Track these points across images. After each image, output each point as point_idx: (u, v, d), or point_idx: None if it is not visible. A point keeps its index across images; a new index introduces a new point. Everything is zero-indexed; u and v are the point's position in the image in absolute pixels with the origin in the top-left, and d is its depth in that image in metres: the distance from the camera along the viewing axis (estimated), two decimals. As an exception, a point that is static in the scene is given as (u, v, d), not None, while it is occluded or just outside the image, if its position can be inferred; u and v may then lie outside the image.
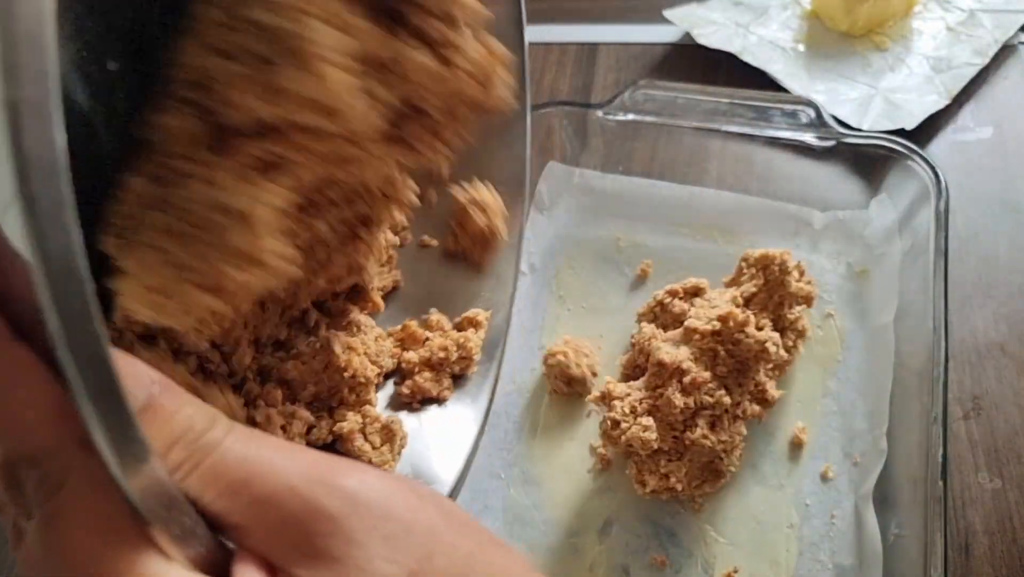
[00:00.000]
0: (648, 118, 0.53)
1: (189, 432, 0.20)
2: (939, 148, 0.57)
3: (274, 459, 0.20)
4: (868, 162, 0.51)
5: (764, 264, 0.46)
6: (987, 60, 0.59)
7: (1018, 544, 0.43)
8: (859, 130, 0.53)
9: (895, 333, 0.47)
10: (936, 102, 0.58)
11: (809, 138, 0.51)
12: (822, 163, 0.52)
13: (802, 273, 0.47)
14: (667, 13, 0.65)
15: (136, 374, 0.20)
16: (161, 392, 0.20)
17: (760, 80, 0.61)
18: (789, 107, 0.52)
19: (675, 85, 0.53)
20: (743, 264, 0.46)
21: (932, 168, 0.47)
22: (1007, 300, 0.51)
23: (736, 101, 0.52)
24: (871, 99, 0.59)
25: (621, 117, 0.53)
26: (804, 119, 0.51)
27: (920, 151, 0.49)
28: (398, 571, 0.20)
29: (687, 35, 0.65)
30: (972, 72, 0.59)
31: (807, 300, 0.46)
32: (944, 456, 0.40)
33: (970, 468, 0.45)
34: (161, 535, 0.19)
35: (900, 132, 0.56)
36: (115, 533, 0.18)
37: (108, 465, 0.17)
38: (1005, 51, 0.60)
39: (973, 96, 0.59)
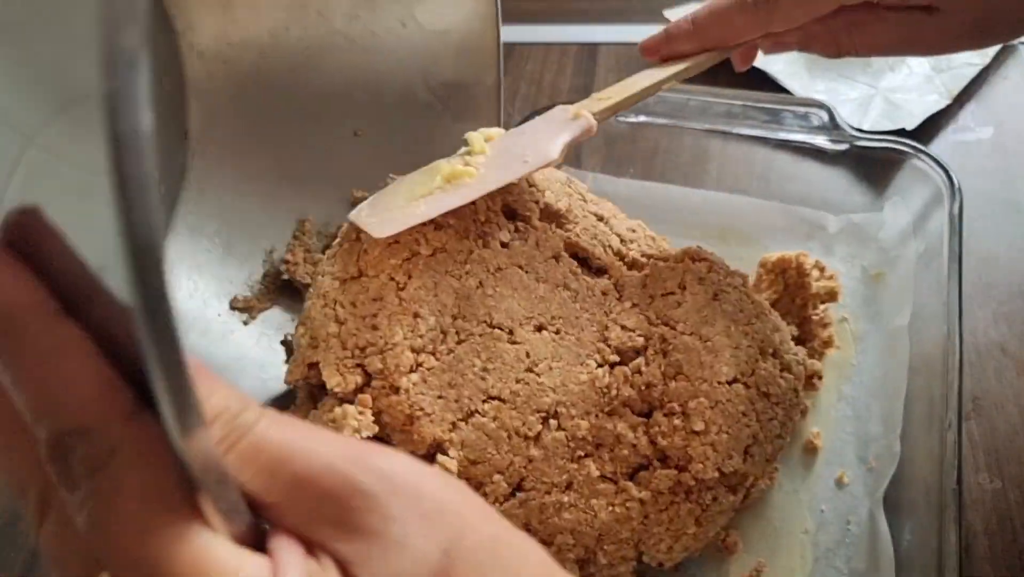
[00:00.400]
0: (660, 120, 0.52)
1: (226, 411, 0.20)
2: (939, 148, 0.57)
3: (309, 440, 0.21)
4: (879, 164, 0.51)
5: (782, 268, 0.45)
6: (988, 60, 0.60)
7: (1018, 544, 0.43)
8: (872, 133, 0.53)
9: (909, 337, 0.47)
10: (937, 102, 0.58)
11: (821, 141, 0.51)
12: (833, 166, 0.52)
13: (822, 270, 0.47)
14: (667, 13, 0.65)
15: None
16: (197, 372, 0.20)
17: (761, 80, 0.60)
18: (801, 109, 0.51)
19: (686, 87, 0.52)
20: (761, 271, 0.46)
21: (946, 171, 0.47)
22: (1007, 300, 0.51)
23: (748, 104, 0.52)
24: (871, 99, 0.59)
25: (632, 119, 0.52)
26: (816, 122, 0.51)
27: (933, 154, 0.49)
28: (433, 548, 0.21)
29: (686, 34, 0.64)
30: (973, 72, 0.59)
31: (831, 296, 0.46)
32: (959, 464, 0.40)
33: (970, 468, 0.45)
34: (210, 508, 0.19)
35: (900, 132, 0.56)
36: (165, 505, 0.18)
37: (169, 432, 0.17)
38: (1005, 51, 0.60)
39: (973, 96, 0.59)
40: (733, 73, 0.60)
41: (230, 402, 0.20)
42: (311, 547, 0.20)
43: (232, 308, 0.49)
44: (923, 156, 0.49)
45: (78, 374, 0.19)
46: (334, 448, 0.21)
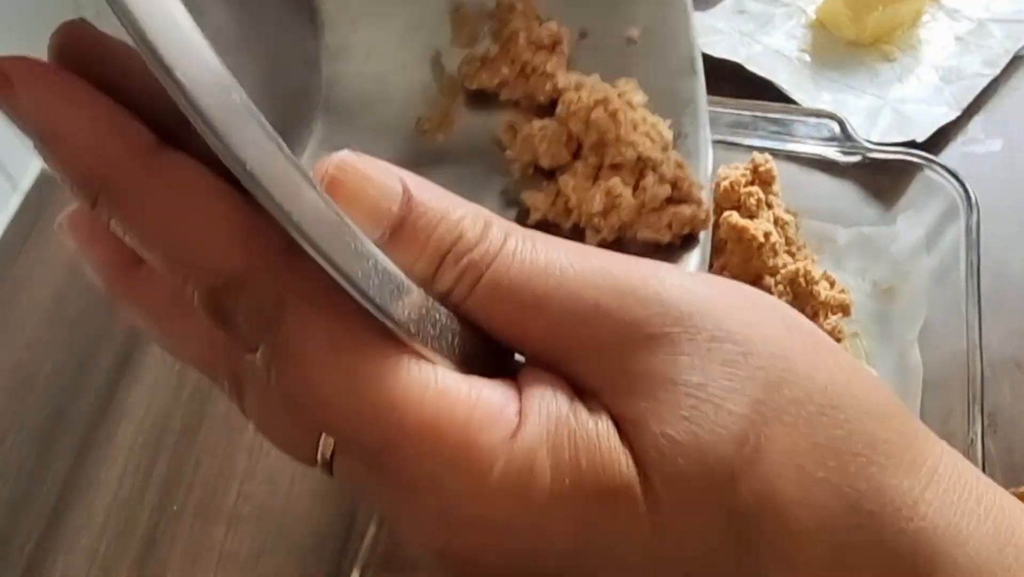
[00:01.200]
0: (668, 131, 0.51)
1: (459, 243, 0.17)
2: (949, 160, 0.56)
3: (566, 269, 0.17)
4: (891, 176, 0.50)
5: (789, 278, 0.44)
6: (998, 71, 0.59)
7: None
8: (884, 144, 0.52)
9: (923, 353, 0.46)
10: (946, 113, 0.57)
11: (832, 152, 0.50)
12: (844, 177, 0.51)
13: (832, 283, 0.45)
14: (671, 20, 0.63)
15: (383, 175, 0.17)
16: (419, 195, 0.17)
17: (765, 90, 0.59)
18: (812, 120, 0.50)
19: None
20: (771, 281, 0.45)
21: (962, 184, 0.46)
22: (1021, 314, 0.50)
23: (757, 114, 0.51)
24: (880, 110, 0.58)
25: (640, 130, 0.51)
26: (827, 133, 0.50)
27: (949, 167, 0.48)
28: (740, 401, 0.16)
29: (690, 43, 0.63)
30: (983, 83, 0.58)
31: (843, 309, 0.45)
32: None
33: (988, 486, 0.44)
34: (415, 341, 0.16)
35: (910, 144, 0.55)
36: (365, 346, 0.16)
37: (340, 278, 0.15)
38: (1016, 62, 0.60)
39: (983, 107, 0.58)
40: (739, 83, 0.60)
41: (465, 227, 0.17)
42: (582, 397, 0.17)
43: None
44: (937, 168, 0.48)
45: (217, 219, 0.16)
46: (601, 276, 0.17)
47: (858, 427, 0.17)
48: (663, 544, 0.16)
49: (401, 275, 0.16)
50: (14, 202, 0.60)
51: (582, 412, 0.17)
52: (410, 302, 0.16)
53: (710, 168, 0.34)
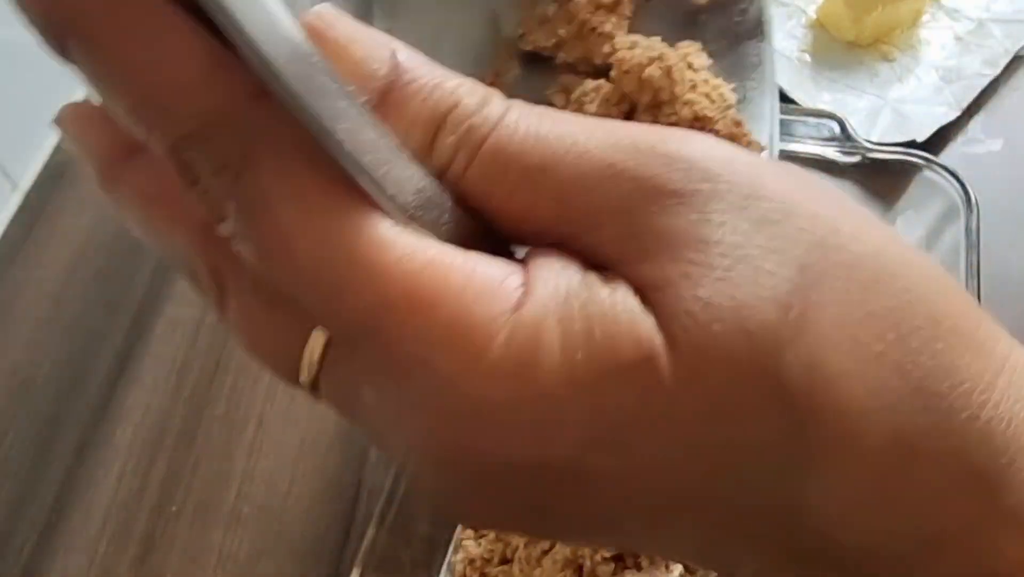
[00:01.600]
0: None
1: (456, 110, 0.15)
2: (948, 160, 0.55)
3: (576, 134, 0.15)
4: (891, 177, 0.50)
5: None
6: (998, 71, 0.58)
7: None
8: (883, 144, 0.52)
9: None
10: (946, 113, 0.57)
11: (833, 152, 0.50)
12: (843, 178, 0.51)
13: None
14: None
15: (369, 35, 0.15)
16: (408, 61, 0.15)
17: (766, 90, 0.59)
18: (812, 120, 0.50)
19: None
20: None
21: (962, 184, 0.46)
22: (1020, 316, 0.50)
23: (757, 114, 0.51)
24: (879, 110, 0.58)
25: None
26: (827, 133, 0.50)
27: (948, 167, 0.48)
28: (783, 262, 0.14)
29: (690, 43, 0.63)
30: (983, 83, 0.58)
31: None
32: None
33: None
34: (405, 217, 0.14)
35: (910, 144, 0.55)
36: (341, 206, 0.14)
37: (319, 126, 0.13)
38: (1016, 62, 0.59)
39: (983, 107, 0.58)
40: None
41: (462, 95, 0.15)
42: (598, 269, 0.15)
43: None
44: (937, 168, 0.48)
45: (173, 51, 0.14)
46: (615, 138, 0.15)
47: (918, 297, 0.15)
48: (696, 426, 0.14)
49: (391, 138, 0.14)
50: (14, 202, 0.60)
51: (595, 281, 0.14)
52: (401, 170, 0.14)
53: (776, 135, 0.31)
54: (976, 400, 0.15)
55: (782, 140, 0.51)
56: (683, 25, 0.33)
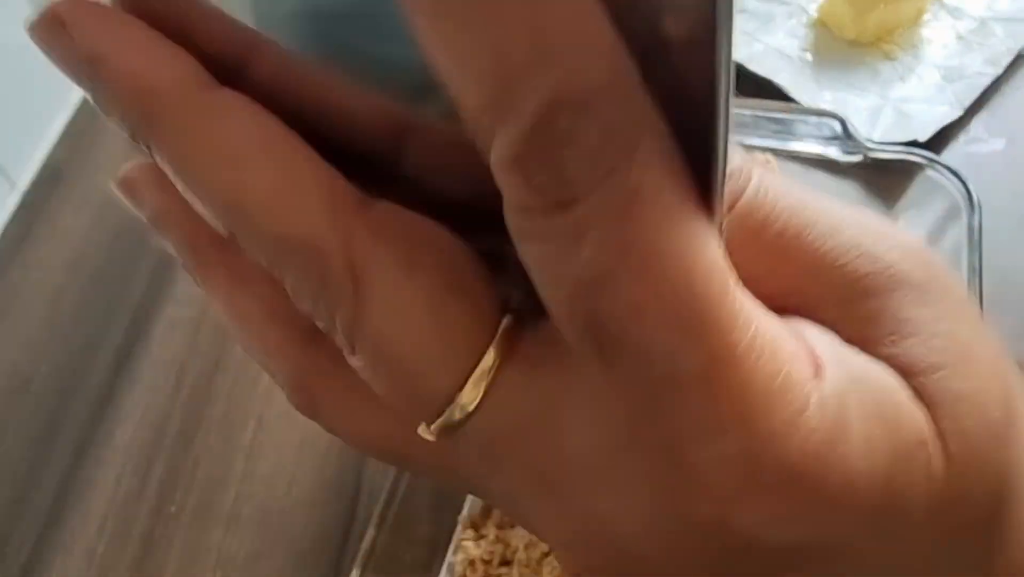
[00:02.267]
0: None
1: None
2: (950, 160, 0.55)
3: (815, 204, 0.15)
4: (893, 176, 0.49)
5: None
6: (1000, 70, 0.58)
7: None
8: (885, 144, 0.52)
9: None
10: (948, 113, 0.57)
11: (834, 152, 0.50)
12: (845, 177, 0.51)
13: None
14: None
15: None
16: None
17: (766, 89, 0.59)
18: (813, 120, 0.50)
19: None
20: None
21: (964, 184, 0.46)
22: (1023, 316, 0.50)
23: (758, 113, 0.50)
24: (881, 109, 0.58)
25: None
26: (828, 132, 0.50)
27: (950, 166, 0.48)
28: (996, 363, 0.15)
29: (691, 42, 0.63)
30: (985, 82, 0.58)
31: None
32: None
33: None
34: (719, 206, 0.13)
35: (912, 143, 0.55)
36: (703, 229, 0.13)
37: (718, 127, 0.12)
38: (1018, 61, 0.59)
39: (985, 106, 0.58)
40: (740, 82, 0.59)
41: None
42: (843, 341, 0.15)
43: None
44: (939, 168, 0.48)
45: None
46: (852, 217, 0.15)
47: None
48: (951, 506, 0.15)
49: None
50: (12, 202, 0.60)
51: (866, 358, 0.15)
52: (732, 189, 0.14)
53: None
54: None
55: (783, 140, 0.51)
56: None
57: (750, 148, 0.49)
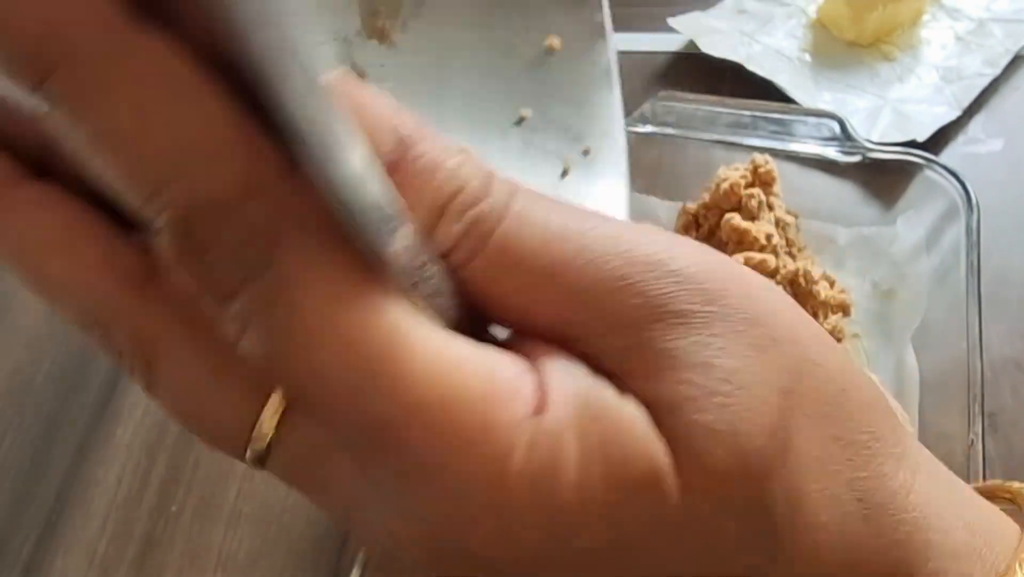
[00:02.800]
0: (668, 131, 0.51)
1: (462, 194, 0.15)
2: (949, 160, 0.55)
3: (584, 233, 0.15)
4: (892, 176, 0.50)
5: (789, 278, 0.44)
6: (998, 71, 0.58)
7: (1035, 563, 0.42)
8: (884, 144, 0.52)
9: (923, 353, 0.45)
10: (947, 113, 0.57)
11: (832, 152, 0.50)
12: (844, 177, 0.51)
13: (832, 283, 0.45)
14: (672, 21, 0.63)
15: (380, 105, 0.14)
16: (413, 134, 0.14)
17: (765, 90, 0.59)
18: (812, 120, 0.50)
19: (695, 97, 0.51)
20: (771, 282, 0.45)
21: (962, 184, 0.46)
22: (1021, 315, 0.50)
23: (757, 114, 0.51)
24: (880, 110, 0.58)
25: (640, 129, 0.51)
26: (827, 132, 0.50)
27: (949, 167, 0.48)
28: (771, 390, 0.15)
29: (690, 44, 0.63)
30: (983, 83, 0.58)
31: (843, 309, 0.45)
32: (984, 479, 0.39)
33: (986, 487, 0.44)
34: (413, 296, 0.14)
35: (911, 143, 0.55)
36: (368, 298, 0.13)
37: (350, 214, 0.12)
38: (1016, 61, 0.59)
39: (983, 107, 0.58)
40: (739, 83, 0.60)
41: (467, 178, 0.15)
42: (604, 376, 0.15)
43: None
44: (938, 168, 0.48)
45: (199, 109, 0.12)
46: (621, 246, 0.15)
47: (861, 417, 0.17)
48: (692, 538, 0.15)
49: (398, 208, 0.13)
50: (13, 202, 0.60)
51: (607, 392, 0.15)
52: (406, 245, 0.13)
53: (625, 190, 0.32)
54: (900, 504, 0.17)
55: (783, 140, 0.51)
56: (538, 70, 0.33)
57: (750, 148, 0.49)
